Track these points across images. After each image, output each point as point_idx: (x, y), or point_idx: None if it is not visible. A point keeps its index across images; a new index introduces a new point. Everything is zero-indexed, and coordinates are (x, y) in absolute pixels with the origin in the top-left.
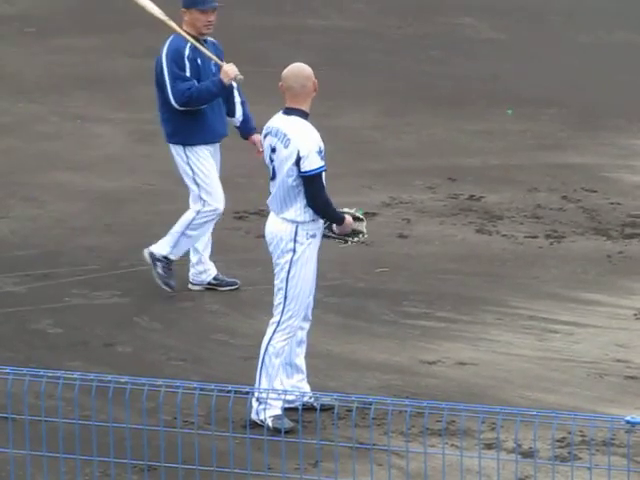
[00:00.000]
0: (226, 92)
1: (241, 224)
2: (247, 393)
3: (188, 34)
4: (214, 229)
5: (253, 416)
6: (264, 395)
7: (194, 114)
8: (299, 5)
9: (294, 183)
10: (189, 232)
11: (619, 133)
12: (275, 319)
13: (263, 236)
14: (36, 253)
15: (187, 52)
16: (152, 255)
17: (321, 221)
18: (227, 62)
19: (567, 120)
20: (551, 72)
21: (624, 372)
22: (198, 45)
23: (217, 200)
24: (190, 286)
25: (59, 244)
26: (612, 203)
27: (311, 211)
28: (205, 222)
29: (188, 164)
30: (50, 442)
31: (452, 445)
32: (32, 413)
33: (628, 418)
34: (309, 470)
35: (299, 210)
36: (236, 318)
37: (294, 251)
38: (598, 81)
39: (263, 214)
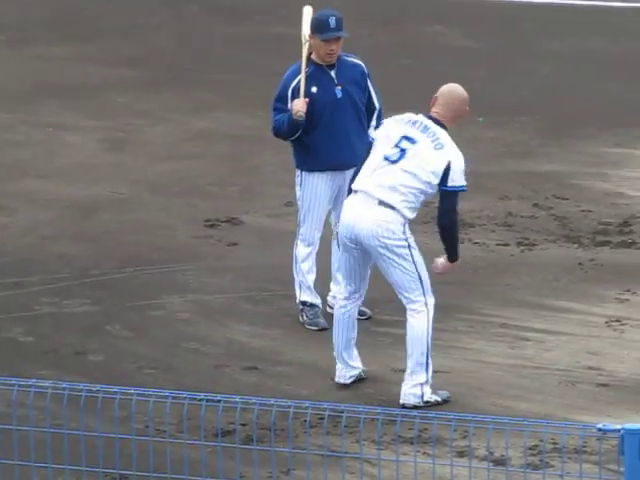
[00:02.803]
0: (297, 127)
1: (212, 232)
2: (219, 401)
3: (312, 61)
4: (191, 236)
5: (415, 402)
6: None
7: (305, 140)
8: (271, 14)
9: (424, 185)
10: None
11: (590, 141)
12: (419, 303)
13: (234, 244)
14: (6, 261)
15: (294, 83)
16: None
17: None
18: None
19: (538, 128)
20: (522, 80)
21: (596, 380)
22: (302, 77)
23: (308, 230)
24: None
25: (29, 252)
26: (583, 211)
27: (416, 212)
28: (300, 249)
29: (298, 185)
30: (22, 451)
31: (424, 453)
32: (3, 422)
33: (600, 426)
34: (281, 478)
35: (412, 209)
36: (207, 326)
37: (407, 238)
38: (569, 89)
39: (234, 222)
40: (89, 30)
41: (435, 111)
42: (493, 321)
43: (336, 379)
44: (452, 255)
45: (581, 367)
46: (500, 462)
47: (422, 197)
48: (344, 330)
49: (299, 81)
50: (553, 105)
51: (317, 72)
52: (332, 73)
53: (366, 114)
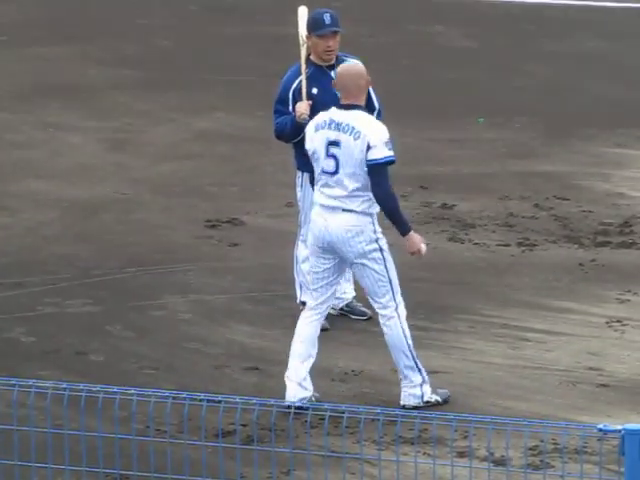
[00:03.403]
0: (300, 129)
1: (213, 232)
2: (219, 402)
3: (311, 62)
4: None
5: (416, 402)
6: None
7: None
8: (271, 14)
9: (368, 177)
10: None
11: (590, 141)
12: (391, 308)
13: (235, 244)
14: (8, 262)
15: (295, 85)
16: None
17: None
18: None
19: (538, 128)
20: (522, 80)
21: (596, 380)
22: (303, 78)
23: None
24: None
25: (31, 253)
26: (584, 211)
27: None
28: (301, 249)
29: (299, 186)
30: (22, 451)
31: (424, 453)
32: (4, 422)
33: (600, 426)
34: (281, 479)
35: (372, 201)
36: (208, 327)
37: (378, 239)
38: (569, 90)
39: (235, 223)
40: (90, 30)
41: (341, 97)
42: (494, 321)
43: (286, 399)
44: (401, 228)
45: (582, 367)
46: (500, 462)
47: None
48: (305, 342)
49: (299, 83)
50: (553, 105)
51: (317, 73)
52: (332, 74)
53: None
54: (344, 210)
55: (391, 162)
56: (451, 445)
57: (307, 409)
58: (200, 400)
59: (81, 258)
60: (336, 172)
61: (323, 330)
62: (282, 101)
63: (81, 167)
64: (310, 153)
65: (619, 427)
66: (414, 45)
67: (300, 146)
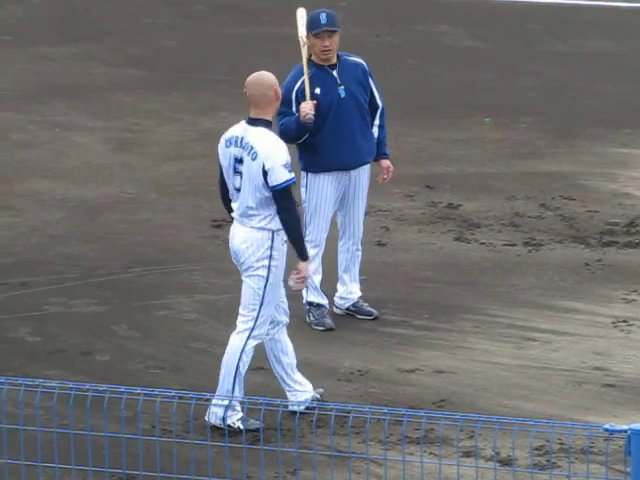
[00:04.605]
0: (305, 129)
1: (218, 232)
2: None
3: (313, 63)
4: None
5: (215, 421)
6: (236, 402)
7: (310, 142)
8: (275, 14)
9: (266, 194)
10: None
11: (596, 141)
12: (247, 326)
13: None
14: (13, 261)
15: (297, 86)
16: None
17: None
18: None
19: (545, 128)
20: (529, 80)
21: (602, 380)
22: (306, 79)
23: (314, 231)
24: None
25: (37, 252)
26: (590, 211)
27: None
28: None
29: (304, 187)
30: (28, 451)
31: (430, 453)
32: (10, 422)
33: (607, 426)
34: (288, 478)
35: (273, 218)
36: (214, 326)
37: (271, 258)
38: (576, 90)
39: None
40: (95, 30)
41: (251, 109)
42: (499, 321)
43: (289, 406)
44: (301, 253)
45: (588, 367)
46: (506, 462)
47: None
48: (278, 356)
49: (302, 83)
50: (560, 106)
51: (319, 73)
52: (334, 73)
53: (369, 113)
54: (250, 226)
55: (292, 184)
56: (457, 445)
57: (313, 409)
58: (206, 400)
59: (86, 258)
60: (240, 189)
61: (329, 330)
62: (285, 102)
63: (87, 167)
64: (223, 169)
65: (625, 427)
66: (420, 45)
67: (304, 146)
